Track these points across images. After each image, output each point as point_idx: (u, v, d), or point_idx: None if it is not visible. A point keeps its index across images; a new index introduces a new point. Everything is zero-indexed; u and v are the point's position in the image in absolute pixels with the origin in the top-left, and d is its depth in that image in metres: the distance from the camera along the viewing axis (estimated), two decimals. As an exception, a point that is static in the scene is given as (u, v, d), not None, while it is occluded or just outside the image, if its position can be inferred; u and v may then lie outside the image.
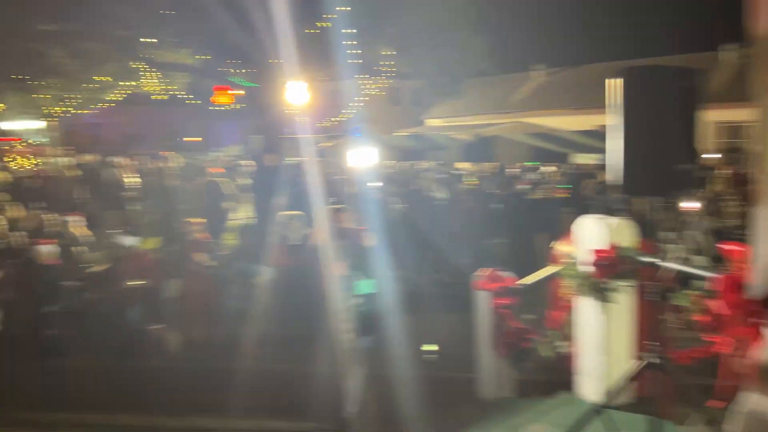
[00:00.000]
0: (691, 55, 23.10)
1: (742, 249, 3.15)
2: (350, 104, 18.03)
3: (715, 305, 3.28)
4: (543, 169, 14.96)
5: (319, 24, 14.10)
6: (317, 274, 5.44)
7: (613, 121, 3.29)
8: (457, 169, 15.59)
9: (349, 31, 13.96)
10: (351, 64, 14.73)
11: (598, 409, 3.64)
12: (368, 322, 5.37)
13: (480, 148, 21.96)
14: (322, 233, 6.03)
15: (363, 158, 9.71)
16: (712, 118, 19.26)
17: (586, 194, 10.44)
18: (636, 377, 3.51)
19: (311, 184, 7.24)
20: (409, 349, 5.23)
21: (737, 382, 2.89)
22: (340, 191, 8.98)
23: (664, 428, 3.35)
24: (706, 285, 3.51)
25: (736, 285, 3.05)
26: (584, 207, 8.40)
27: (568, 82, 28.16)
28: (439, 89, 17.55)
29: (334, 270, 5.18)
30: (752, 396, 2.68)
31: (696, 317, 3.61)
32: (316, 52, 13.60)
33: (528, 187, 10.97)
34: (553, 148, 19.73)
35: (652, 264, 3.81)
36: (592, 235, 4.39)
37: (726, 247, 3.43)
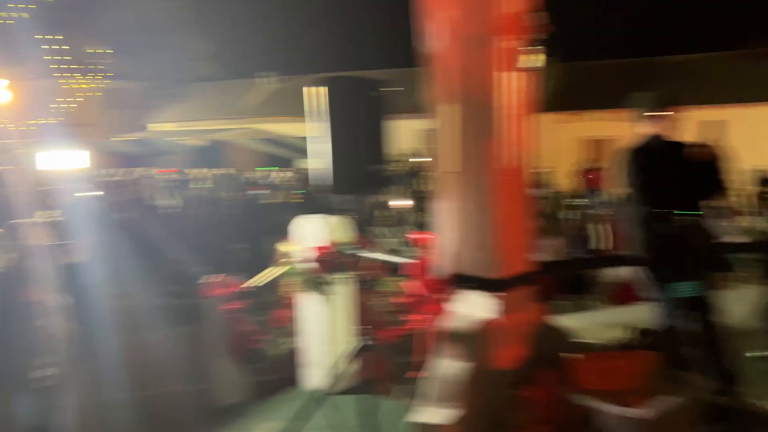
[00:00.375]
0: (400, 70, 25.82)
1: (429, 237, 3.65)
2: (59, 106, 16.14)
3: (410, 287, 3.76)
4: (276, 174, 15.31)
5: (5, 14, 12.30)
6: (10, 300, 4.71)
7: (317, 126, 3.53)
8: (188, 175, 15.06)
9: (52, 24, 12.49)
10: (57, 61, 13.20)
11: (321, 397, 3.88)
12: (83, 348, 4.84)
13: (212, 153, 21.49)
14: (20, 252, 5.26)
15: (74, 165, 8.78)
16: (419, 126, 21.67)
17: (313, 196, 10.97)
18: (354, 361, 3.85)
19: (7, 196, 6.30)
20: (131, 370, 4.86)
21: (430, 352, 3.33)
22: (45, 203, 7.93)
23: (379, 404, 3.74)
24: (403, 270, 3.99)
25: (425, 268, 3.54)
26: (312, 208, 8.80)
27: (294, 90, 29.17)
28: (164, 92, 16.78)
29: (32, 294, 4.56)
30: (442, 362, 3.11)
31: (397, 300, 4.09)
32: (10, 45, 11.86)
33: (262, 191, 11.11)
34: (283, 153, 20.32)
35: (360, 256, 4.20)
36: (311, 233, 4.64)
37: (414, 236, 3.94)
